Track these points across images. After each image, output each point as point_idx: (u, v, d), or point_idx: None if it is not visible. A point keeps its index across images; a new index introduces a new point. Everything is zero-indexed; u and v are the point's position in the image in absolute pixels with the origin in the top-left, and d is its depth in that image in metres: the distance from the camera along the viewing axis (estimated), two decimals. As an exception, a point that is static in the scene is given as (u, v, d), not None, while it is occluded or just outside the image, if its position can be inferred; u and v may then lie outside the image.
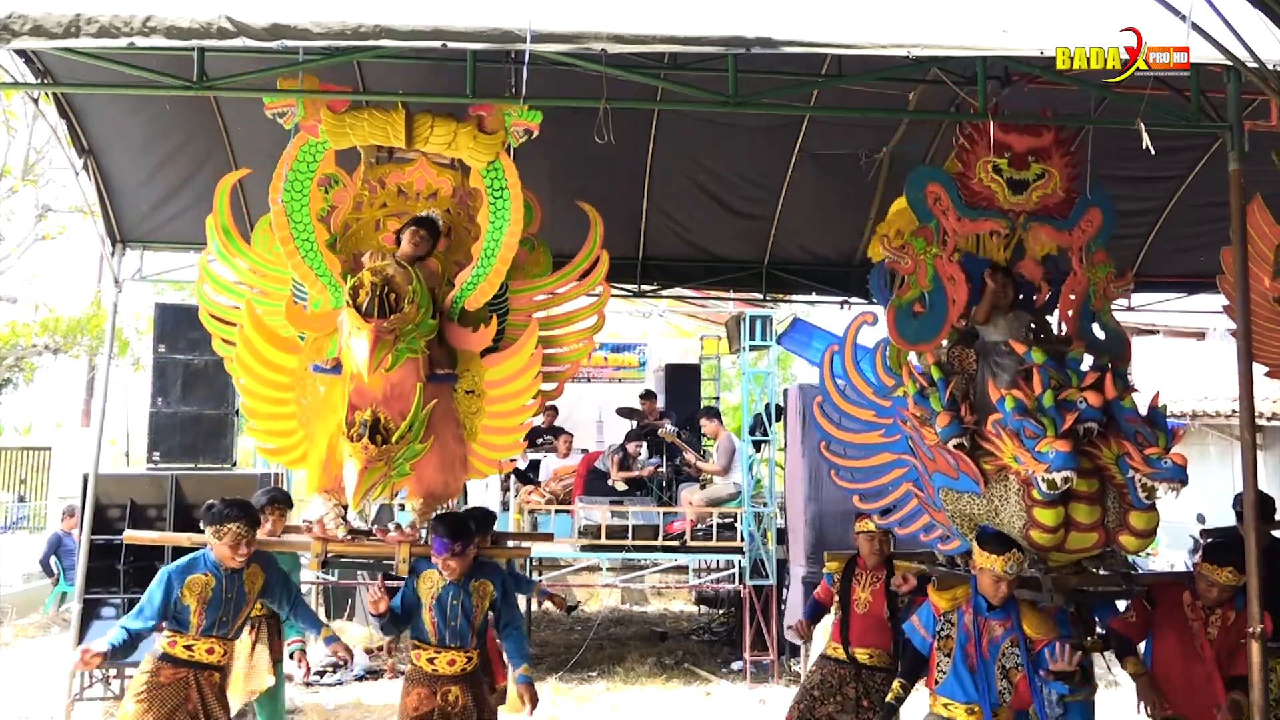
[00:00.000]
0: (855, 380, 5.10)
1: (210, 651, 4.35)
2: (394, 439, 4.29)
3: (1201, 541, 4.59)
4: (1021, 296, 5.15)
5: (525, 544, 5.91)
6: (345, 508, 4.66)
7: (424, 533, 4.65)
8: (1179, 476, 4.27)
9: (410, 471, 4.52)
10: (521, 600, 6.53)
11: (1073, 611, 4.85)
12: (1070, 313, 5.07)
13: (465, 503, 8.88)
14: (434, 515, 4.60)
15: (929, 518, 4.95)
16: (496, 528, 5.45)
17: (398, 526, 4.74)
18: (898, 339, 4.94)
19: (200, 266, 5.03)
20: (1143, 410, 4.58)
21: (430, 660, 4.44)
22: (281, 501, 5.50)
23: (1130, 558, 4.85)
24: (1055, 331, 5.19)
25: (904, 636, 4.47)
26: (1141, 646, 4.72)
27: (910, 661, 4.40)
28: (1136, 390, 4.74)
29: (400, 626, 4.53)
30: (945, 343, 5.03)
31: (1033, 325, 5.09)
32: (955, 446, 4.60)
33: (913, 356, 5.06)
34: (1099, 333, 5.11)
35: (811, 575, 7.89)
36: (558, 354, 5.12)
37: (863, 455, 5.13)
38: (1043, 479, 4.25)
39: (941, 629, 4.26)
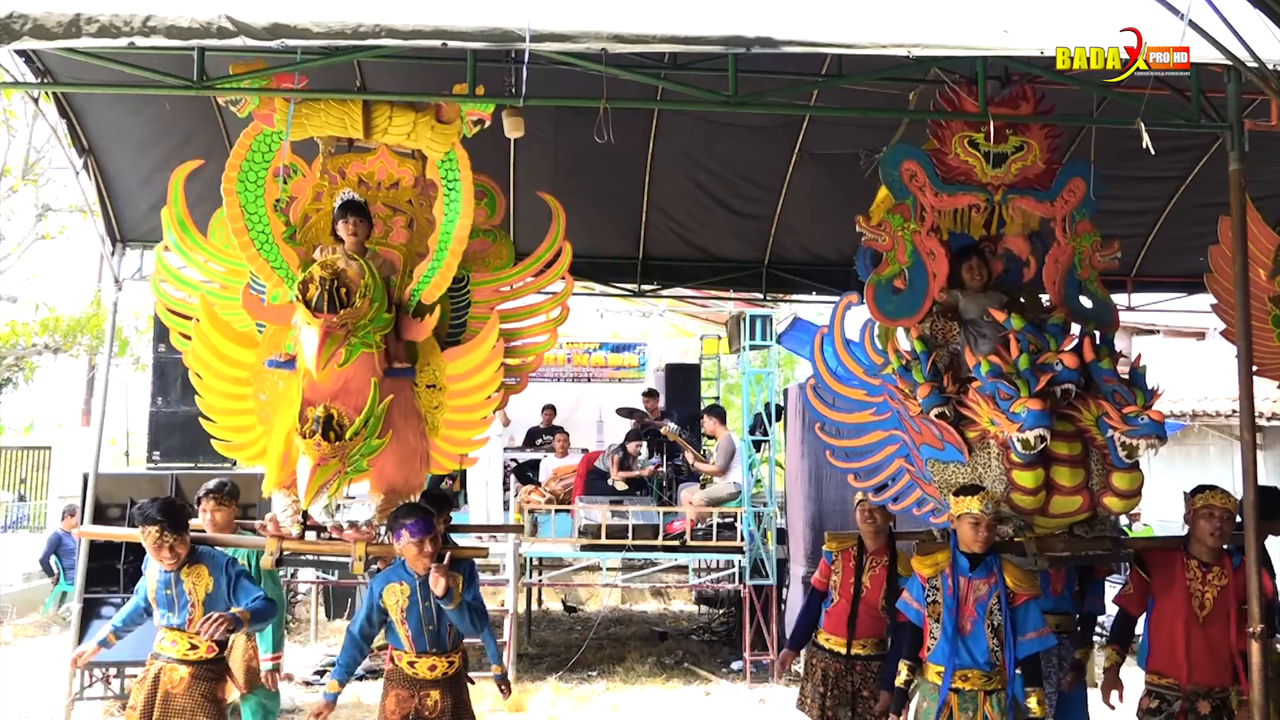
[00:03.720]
0: (845, 360, 5.11)
1: (174, 644, 4.34)
2: (348, 435, 4.15)
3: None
4: (1008, 271, 5.14)
5: (482, 543, 5.82)
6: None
7: (381, 531, 4.50)
8: (1156, 432, 4.28)
9: (367, 468, 4.40)
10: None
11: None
12: (1054, 281, 5.02)
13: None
14: (392, 511, 4.41)
15: (921, 492, 4.97)
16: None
17: (352, 524, 4.58)
18: (878, 315, 4.92)
19: (156, 260, 4.92)
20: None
21: (410, 664, 4.36)
22: (217, 492, 5.05)
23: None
24: (1044, 304, 5.16)
25: (897, 619, 4.47)
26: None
27: (910, 639, 4.38)
28: (1124, 356, 4.73)
29: (369, 645, 4.46)
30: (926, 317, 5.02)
31: (1021, 299, 5.09)
32: (937, 416, 4.64)
33: (900, 332, 5.07)
34: (1086, 301, 5.06)
35: (811, 575, 7.87)
36: (520, 346, 5.01)
37: (856, 434, 5.16)
38: (1017, 439, 4.27)
39: (929, 596, 4.29)
